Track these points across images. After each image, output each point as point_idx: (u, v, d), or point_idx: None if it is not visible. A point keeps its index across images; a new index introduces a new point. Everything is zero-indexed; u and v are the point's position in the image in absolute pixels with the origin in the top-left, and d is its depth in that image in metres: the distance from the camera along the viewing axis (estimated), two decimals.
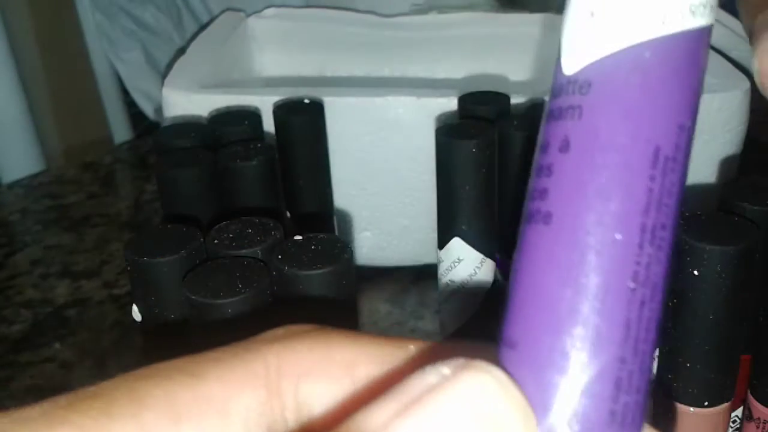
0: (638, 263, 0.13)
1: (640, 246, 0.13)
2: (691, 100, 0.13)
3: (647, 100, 0.13)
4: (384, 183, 0.45)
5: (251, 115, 0.40)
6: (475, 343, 0.15)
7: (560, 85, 0.14)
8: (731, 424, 0.31)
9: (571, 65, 0.14)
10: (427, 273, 0.48)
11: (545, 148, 0.14)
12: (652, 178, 0.13)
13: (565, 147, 0.14)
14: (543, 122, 0.14)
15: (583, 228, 0.13)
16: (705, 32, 0.14)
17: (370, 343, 0.15)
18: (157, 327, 0.27)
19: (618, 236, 0.13)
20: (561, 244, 0.13)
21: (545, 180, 0.14)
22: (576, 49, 0.14)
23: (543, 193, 0.14)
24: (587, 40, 0.14)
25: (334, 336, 0.16)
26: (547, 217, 0.14)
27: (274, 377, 0.15)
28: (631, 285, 0.13)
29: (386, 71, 0.57)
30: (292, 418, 0.15)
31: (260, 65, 0.57)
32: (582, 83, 0.14)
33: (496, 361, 0.14)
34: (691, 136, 0.13)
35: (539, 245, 0.14)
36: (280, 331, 0.16)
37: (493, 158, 0.32)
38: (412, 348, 0.15)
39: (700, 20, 0.13)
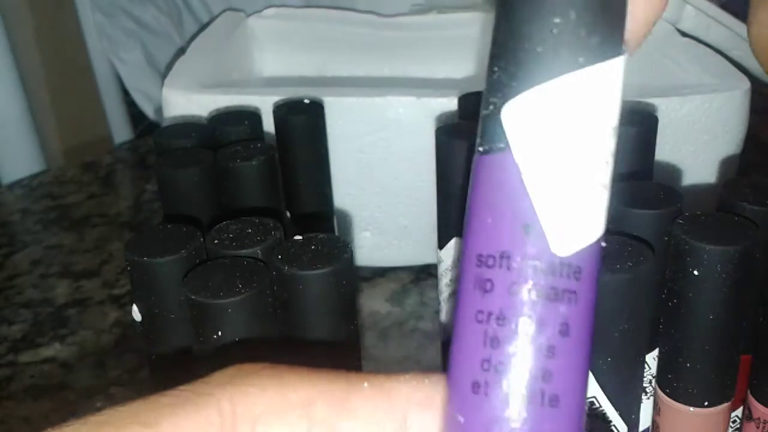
0: None
1: None
2: None
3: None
4: (384, 183, 0.45)
5: (251, 115, 0.40)
6: (429, 377, 0.15)
7: (551, 264, 0.14)
8: (731, 424, 0.31)
9: (563, 248, 0.14)
10: (427, 273, 0.48)
11: (541, 329, 0.14)
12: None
13: (565, 331, 0.14)
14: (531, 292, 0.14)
15: (584, 408, 0.14)
16: None
17: (324, 381, 0.15)
18: (157, 327, 0.27)
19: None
20: (570, 428, 0.14)
21: (549, 362, 0.14)
22: (568, 231, 0.14)
23: (547, 376, 0.14)
24: (581, 223, 0.14)
25: (286, 375, 0.15)
26: (554, 401, 0.14)
27: (228, 423, 0.15)
28: None
29: (386, 71, 0.57)
30: None
31: (260, 65, 0.57)
32: (576, 268, 0.14)
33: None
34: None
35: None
36: (230, 371, 0.15)
37: None
38: (366, 385, 0.15)
39: None
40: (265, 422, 0.15)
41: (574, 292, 0.14)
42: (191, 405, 0.15)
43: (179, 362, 0.27)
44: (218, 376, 0.15)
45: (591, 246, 0.14)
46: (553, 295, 0.14)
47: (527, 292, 0.14)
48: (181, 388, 0.15)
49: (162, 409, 0.14)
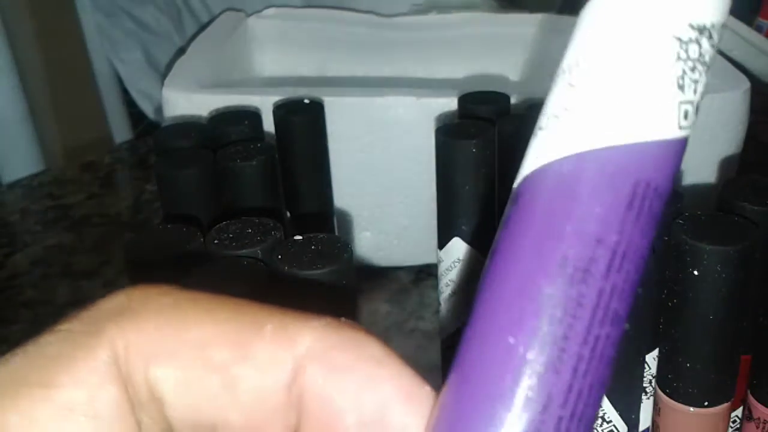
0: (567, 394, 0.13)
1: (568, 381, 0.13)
2: (618, 214, 0.13)
3: (557, 212, 0.13)
4: (384, 183, 0.45)
5: (251, 115, 0.40)
6: (339, 329, 0.14)
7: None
8: (731, 424, 0.31)
9: (516, 181, 0.14)
10: (427, 273, 0.48)
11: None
12: (554, 284, 0.13)
13: (492, 253, 0.14)
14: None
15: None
16: (650, 146, 0.13)
17: (225, 320, 0.14)
18: None
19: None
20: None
21: (481, 280, 0.14)
22: (523, 164, 0.14)
23: (479, 286, 0.14)
24: (529, 155, 0.14)
25: (184, 308, 0.14)
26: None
27: (122, 363, 0.14)
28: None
29: (386, 71, 0.57)
30: (145, 400, 0.14)
31: (260, 65, 0.57)
32: (514, 196, 0.14)
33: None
34: (620, 251, 0.13)
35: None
36: (121, 298, 0.14)
37: (493, 158, 0.32)
38: (269, 327, 0.14)
39: (637, 135, 0.13)
40: (159, 363, 0.14)
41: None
42: (82, 349, 0.13)
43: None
44: (108, 304, 0.14)
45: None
46: None
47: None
48: (67, 325, 0.14)
49: (54, 360, 0.13)
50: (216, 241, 0.26)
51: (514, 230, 0.14)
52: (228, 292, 0.23)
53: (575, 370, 0.13)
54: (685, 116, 0.13)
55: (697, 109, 0.14)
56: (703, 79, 0.13)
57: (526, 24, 0.55)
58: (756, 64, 0.54)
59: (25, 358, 0.14)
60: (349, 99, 0.43)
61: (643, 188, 0.13)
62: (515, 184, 0.14)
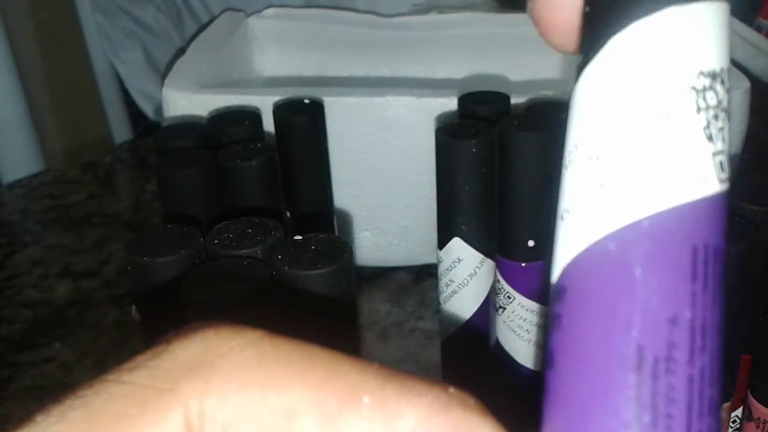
0: None
1: None
2: (685, 286, 0.12)
3: (616, 297, 0.12)
4: (384, 183, 0.45)
5: (251, 115, 0.40)
6: (446, 406, 0.12)
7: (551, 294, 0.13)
8: (731, 424, 0.31)
9: (554, 273, 0.13)
10: (427, 273, 0.48)
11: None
12: (637, 385, 0.12)
13: (550, 363, 0.13)
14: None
15: None
16: (696, 206, 0.12)
17: (318, 387, 0.12)
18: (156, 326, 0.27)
19: None
20: None
21: (544, 396, 0.13)
22: (556, 254, 0.13)
23: (544, 407, 0.13)
24: (560, 243, 0.13)
25: (272, 366, 0.12)
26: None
27: (196, 429, 0.12)
28: None
29: (386, 71, 0.57)
30: None
31: (260, 65, 0.57)
32: (557, 292, 0.13)
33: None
34: (698, 327, 0.12)
35: None
36: (196, 347, 0.12)
37: (493, 158, 0.32)
38: (367, 400, 0.12)
39: (681, 196, 0.12)
40: (238, 430, 0.12)
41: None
42: (151, 412, 0.12)
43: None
44: (184, 353, 0.12)
45: None
46: None
47: None
48: (134, 377, 0.12)
49: (118, 421, 0.12)
50: (216, 241, 0.26)
51: (572, 333, 0.12)
52: (229, 292, 0.23)
53: None
54: (722, 168, 0.12)
55: (729, 159, 0.13)
56: (727, 126, 0.13)
57: (526, 24, 0.55)
58: (756, 64, 0.54)
59: (85, 414, 0.12)
60: (349, 99, 0.43)
61: (702, 253, 0.12)
62: (554, 279, 0.13)
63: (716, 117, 0.12)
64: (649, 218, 0.12)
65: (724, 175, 0.13)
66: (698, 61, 0.12)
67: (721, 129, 0.13)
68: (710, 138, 0.12)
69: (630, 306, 0.12)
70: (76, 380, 0.42)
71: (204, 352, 0.12)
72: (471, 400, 0.12)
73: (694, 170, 0.12)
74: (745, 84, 0.42)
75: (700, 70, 0.12)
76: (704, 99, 0.12)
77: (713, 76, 0.12)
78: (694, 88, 0.12)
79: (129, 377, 0.12)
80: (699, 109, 0.12)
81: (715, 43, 0.12)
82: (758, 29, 0.61)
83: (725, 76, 0.13)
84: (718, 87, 0.13)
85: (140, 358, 0.12)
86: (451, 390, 0.12)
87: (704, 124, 0.12)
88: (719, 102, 0.12)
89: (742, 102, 0.42)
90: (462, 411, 0.12)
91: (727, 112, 0.13)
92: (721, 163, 0.12)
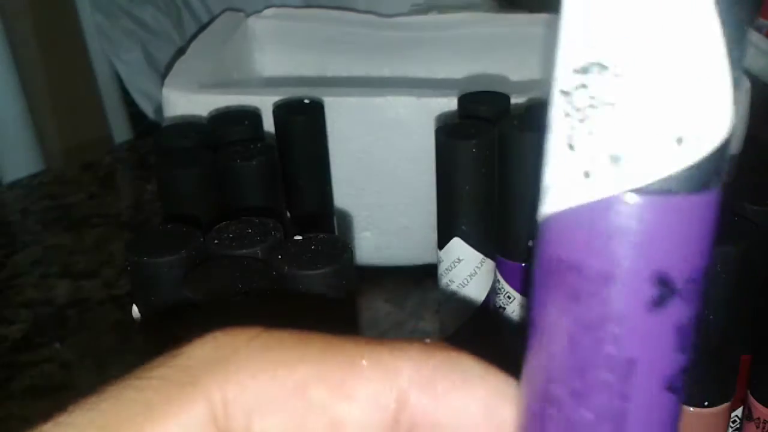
0: None
1: None
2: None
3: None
4: (384, 183, 0.45)
5: (251, 115, 0.40)
6: (432, 353, 0.14)
7: None
8: (731, 424, 0.31)
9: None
10: (427, 273, 0.48)
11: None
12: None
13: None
14: None
15: None
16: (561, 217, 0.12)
17: (319, 358, 0.13)
18: (157, 326, 0.27)
19: None
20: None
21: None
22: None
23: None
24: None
25: (278, 350, 0.13)
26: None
27: (221, 418, 0.13)
28: None
29: (386, 71, 0.57)
30: None
31: (260, 65, 0.57)
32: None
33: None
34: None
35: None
36: (213, 342, 0.14)
37: (493, 158, 0.32)
38: (364, 363, 0.13)
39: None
40: (261, 415, 0.13)
41: None
42: (176, 402, 0.13)
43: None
44: (199, 351, 0.13)
45: None
46: None
47: None
48: (156, 373, 0.13)
49: (145, 412, 0.12)
50: (216, 241, 0.26)
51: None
52: (229, 292, 0.23)
53: None
54: (585, 175, 0.11)
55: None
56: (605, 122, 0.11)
57: (526, 24, 0.55)
58: (756, 64, 0.54)
59: (113, 405, 0.13)
60: (349, 99, 0.43)
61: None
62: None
63: (582, 120, 0.11)
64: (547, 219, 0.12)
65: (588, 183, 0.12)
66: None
67: (590, 133, 0.11)
68: (571, 147, 0.11)
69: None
70: (76, 380, 0.42)
71: (217, 349, 0.13)
72: (444, 344, 0.14)
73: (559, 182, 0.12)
74: (745, 84, 0.42)
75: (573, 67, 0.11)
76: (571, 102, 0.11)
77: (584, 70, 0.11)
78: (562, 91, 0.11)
79: (152, 374, 0.13)
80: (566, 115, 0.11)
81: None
82: (758, 29, 0.61)
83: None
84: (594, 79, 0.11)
85: (159, 360, 0.13)
86: (427, 340, 0.14)
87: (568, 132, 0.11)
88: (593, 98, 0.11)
89: (742, 102, 0.42)
90: (442, 353, 0.14)
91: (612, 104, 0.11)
92: (586, 173, 0.11)
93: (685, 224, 0.12)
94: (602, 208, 0.11)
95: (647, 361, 0.12)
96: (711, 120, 0.11)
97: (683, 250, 0.12)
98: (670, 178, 0.11)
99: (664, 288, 0.12)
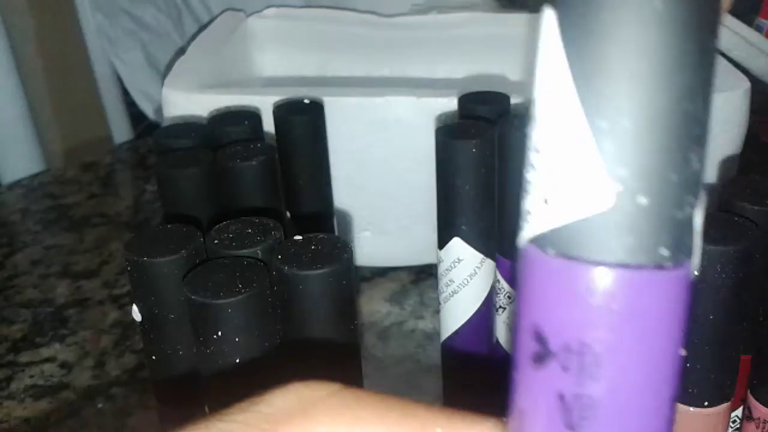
0: None
1: None
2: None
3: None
4: (384, 183, 0.45)
5: (251, 115, 0.40)
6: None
7: None
8: (731, 424, 0.31)
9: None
10: (427, 273, 0.48)
11: None
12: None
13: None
14: None
15: None
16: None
17: (396, 422, 0.14)
18: (157, 326, 0.27)
19: None
20: None
21: None
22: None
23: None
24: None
25: (356, 408, 0.14)
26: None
27: None
28: None
29: (386, 71, 0.57)
30: None
31: (260, 65, 0.57)
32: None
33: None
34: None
35: None
36: (293, 394, 0.14)
37: (493, 158, 0.32)
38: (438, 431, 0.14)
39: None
40: None
41: None
42: None
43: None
44: (280, 401, 0.14)
45: None
46: None
47: None
48: (238, 417, 0.13)
49: None
50: (216, 241, 0.26)
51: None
52: (229, 292, 0.23)
53: None
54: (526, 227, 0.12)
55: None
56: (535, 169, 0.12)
57: (526, 24, 0.55)
58: (756, 64, 0.54)
59: None
60: (349, 99, 0.43)
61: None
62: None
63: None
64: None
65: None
66: None
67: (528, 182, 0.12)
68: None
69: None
70: (76, 380, 0.42)
71: (297, 400, 0.14)
72: None
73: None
74: (745, 84, 0.42)
75: None
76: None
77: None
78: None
79: (234, 417, 0.13)
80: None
81: None
82: (758, 29, 0.61)
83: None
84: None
85: (242, 405, 0.14)
86: (504, 420, 0.14)
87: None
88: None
89: (742, 102, 0.42)
90: None
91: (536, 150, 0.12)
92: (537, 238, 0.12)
93: (555, 286, 0.12)
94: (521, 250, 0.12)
95: (531, 415, 0.12)
96: (576, 193, 0.11)
97: (556, 312, 0.12)
98: (542, 236, 0.12)
99: (541, 345, 0.12)
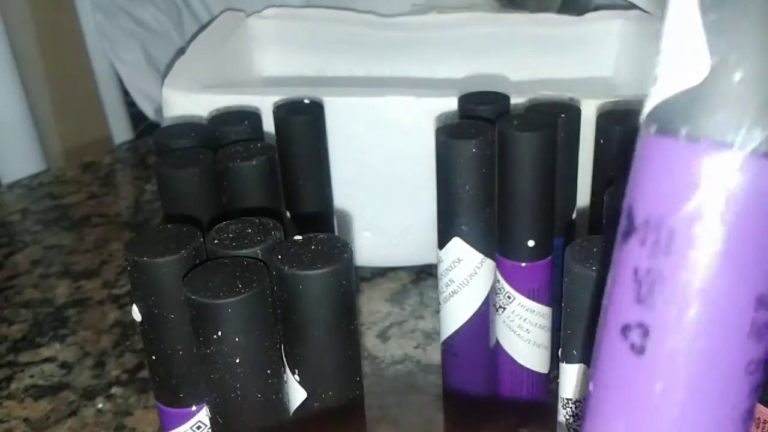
0: None
1: None
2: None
3: None
4: (384, 183, 0.45)
5: (251, 115, 0.40)
6: None
7: None
8: None
9: None
10: (427, 273, 0.48)
11: None
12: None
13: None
14: None
15: None
16: None
17: None
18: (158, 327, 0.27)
19: None
20: None
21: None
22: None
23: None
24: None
25: None
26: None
27: None
28: None
29: (386, 71, 0.57)
30: None
31: (260, 65, 0.57)
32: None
33: None
34: None
35: None
36: None
37: (493, 158, 0.32)
38: None
39: None
40: None
41: None
42: None
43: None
44: None
45: None
46: None
47: None
48: None
49: None
50: (216, 241, 0.26)
51: None
52: (229, 292, 0.23)
53: None
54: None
55: None
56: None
57: (526, 24, 0.55)
58: None
59: None
60: (349, 99, 0.43)
61: None
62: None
63: None
64: None
65: None
66: None
67: None
68: None
69: None
70: (76, 380, 0.42)
71: None
72: None
73: None
74: None
75: None
76: None
77: None
78: None
79: None
80: None
81: None
82: None
83: None
84: None
85: None
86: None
87: None
88: None
89: None
90: None
91: None
92: None
93: (648, 161, 0.12)
94: None
95: (615, 294, 0.13)
96: (677, 67, 0.12)
97: (644, 187, 0.12)
98: (648, 114, 0.12)
99: (628, 221, 0.12)
